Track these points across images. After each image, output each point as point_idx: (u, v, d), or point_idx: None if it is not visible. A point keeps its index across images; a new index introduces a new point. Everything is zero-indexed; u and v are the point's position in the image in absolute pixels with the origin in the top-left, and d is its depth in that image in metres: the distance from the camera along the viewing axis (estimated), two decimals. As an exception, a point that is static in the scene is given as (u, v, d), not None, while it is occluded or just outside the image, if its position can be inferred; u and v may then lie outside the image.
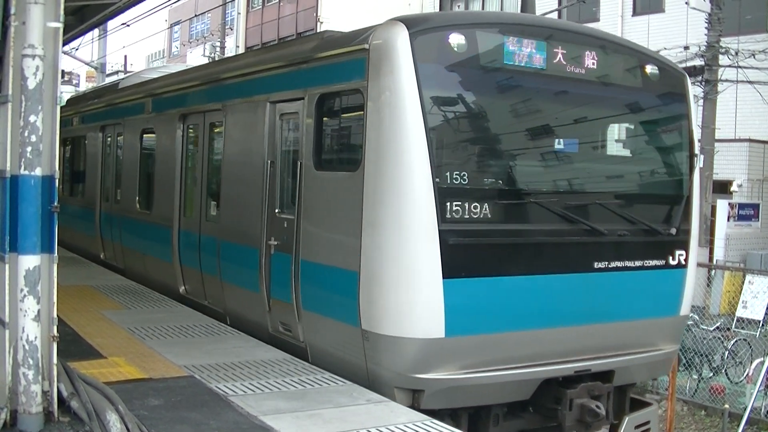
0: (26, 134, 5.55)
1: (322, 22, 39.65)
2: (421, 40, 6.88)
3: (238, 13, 49.95)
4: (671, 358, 8.82)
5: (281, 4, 46.31)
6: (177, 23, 56.79)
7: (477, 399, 7.25)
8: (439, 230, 6.73)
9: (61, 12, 5.80)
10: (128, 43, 60.45)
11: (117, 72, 42.54)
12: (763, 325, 16.73)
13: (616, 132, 8.73)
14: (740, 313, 17.34)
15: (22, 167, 5.58)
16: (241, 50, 45.52)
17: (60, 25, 5.81)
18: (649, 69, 8.24)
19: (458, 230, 6.85)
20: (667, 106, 8.51)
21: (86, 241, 15.49)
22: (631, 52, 8.35)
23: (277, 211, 8.56)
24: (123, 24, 27.05)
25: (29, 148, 5.56)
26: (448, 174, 6.87)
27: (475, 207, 6.95)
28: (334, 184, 7.66)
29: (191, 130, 11.14)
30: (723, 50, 21.85)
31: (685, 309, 8.48)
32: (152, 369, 7.33)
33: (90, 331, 8.75)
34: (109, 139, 14.76)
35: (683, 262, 8.30)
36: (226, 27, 48.71)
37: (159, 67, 16.62)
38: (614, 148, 8.80)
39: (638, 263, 7.97)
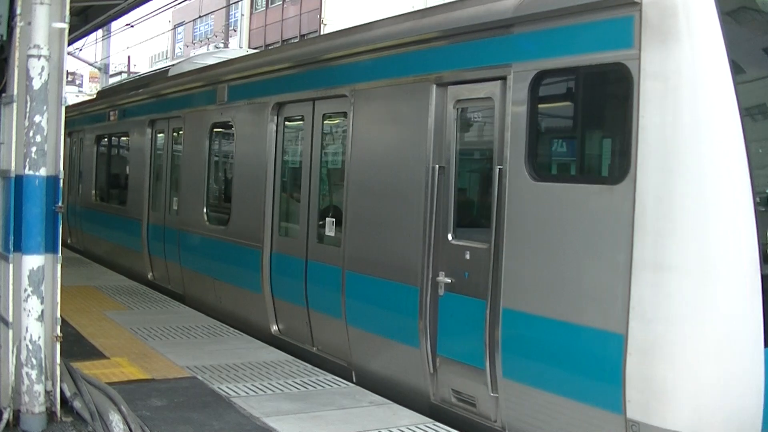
0: (31, 134, 5.56)
1: (325, 24, 39.68)
2: None
3: (242, 15, 49.99)
4: None
5: (285, 5, 46.41)
6: (181, 24, 56.88)
7: None
8: (762, 275, 4.73)
9: (67, 13, 5.82)
10: (132, 44, 60.67)
11: (120, 73, 42.58)
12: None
13: None
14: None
15: (27, 167, 5.58)
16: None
17: (66, 26, 5.82)
18: None
19: None
20: None
21: (128, 257, 13.40)
22: None
23: (450, 236, 6.44)
24: (127, 25, 27.12)
25: (34, 149, 5.57)
26: None
27: None
28: (570, 202, 5.44)
29: (291, 124, 8.96)
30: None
31: None
32: (155, 370, 7.33)
33: (93, 332, 8.77)
34: (160, 135, 12.47)
35: None
36: (230, 28, 48.76)
37: (213, 52, 15.05)
38: None
39: None
